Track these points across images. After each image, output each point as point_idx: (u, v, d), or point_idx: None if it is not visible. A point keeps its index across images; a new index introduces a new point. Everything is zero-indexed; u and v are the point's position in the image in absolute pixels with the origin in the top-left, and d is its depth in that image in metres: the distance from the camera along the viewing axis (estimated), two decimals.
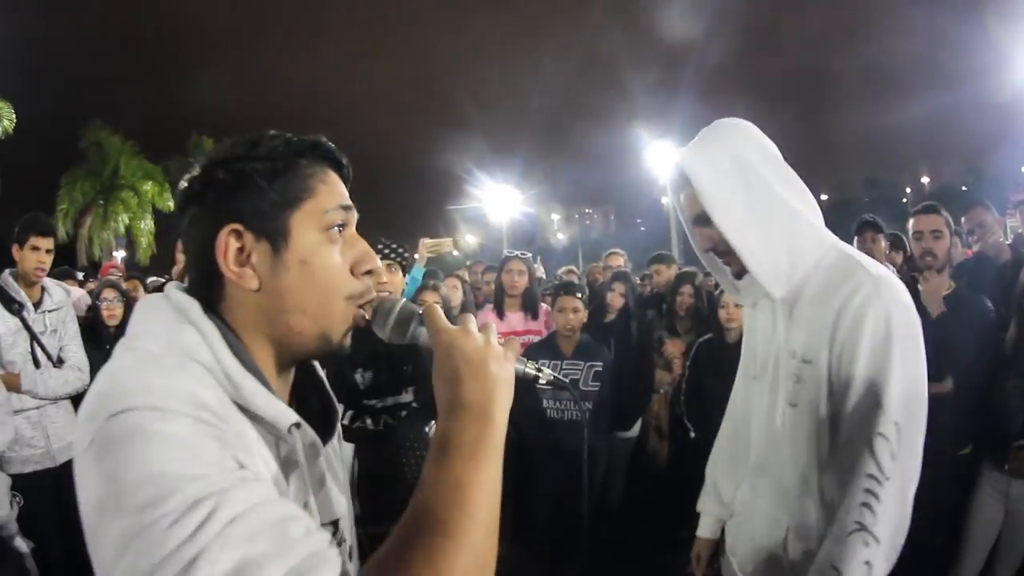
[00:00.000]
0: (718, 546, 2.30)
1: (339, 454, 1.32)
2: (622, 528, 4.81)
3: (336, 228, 1.10)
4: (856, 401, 1.66)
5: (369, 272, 1.15)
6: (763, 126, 1.92)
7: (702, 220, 1.89)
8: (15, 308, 3.99)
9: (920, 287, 3.65)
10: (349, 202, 1.13)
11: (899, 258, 5.45)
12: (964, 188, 50.69)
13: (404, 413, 3.24)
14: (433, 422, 3.33)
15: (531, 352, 4.41)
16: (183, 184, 1.10)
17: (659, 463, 5.00)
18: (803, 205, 1.86)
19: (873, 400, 1.63)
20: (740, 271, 1.91)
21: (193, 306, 1.03)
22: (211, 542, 0.77)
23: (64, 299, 4.29)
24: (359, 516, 3.25)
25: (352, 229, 1.15)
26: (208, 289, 1.07)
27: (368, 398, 3.25)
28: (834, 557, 1.62)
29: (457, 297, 5.67)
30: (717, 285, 5.97)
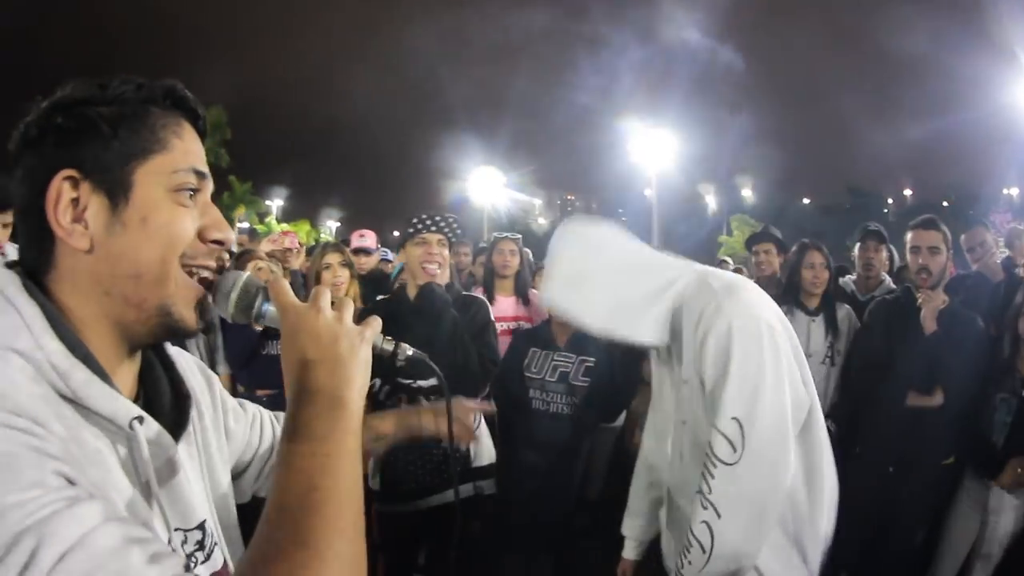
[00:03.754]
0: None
1: (207, 443, 1.19)
2: (600, 518, 4.68)
3: (187, 192, 0.99)
4: (708, 401, 1.85)
5: (218, 242, 1.03)
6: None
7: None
8: None
9: (919, 304, 3.68)
10: (205, 169, 1.03)
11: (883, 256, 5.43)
12: (946, 203, 51.20)
13: (436, 397, 3.18)
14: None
15: (522, 339, 4.38)
16: (18, 130, 0.96)
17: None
18: (645, 262, 2.11)
19: (715, 398, 1.82)
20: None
21: (11, 282, 0.90)
22: None
23: None
24: (377, 492, 3.33)
25: (207, 197, 1.04)
26: (37, 254, 0.94)
27: (403, 376, 3.19)
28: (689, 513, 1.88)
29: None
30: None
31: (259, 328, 4.57)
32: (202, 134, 1.07)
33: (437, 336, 3.15)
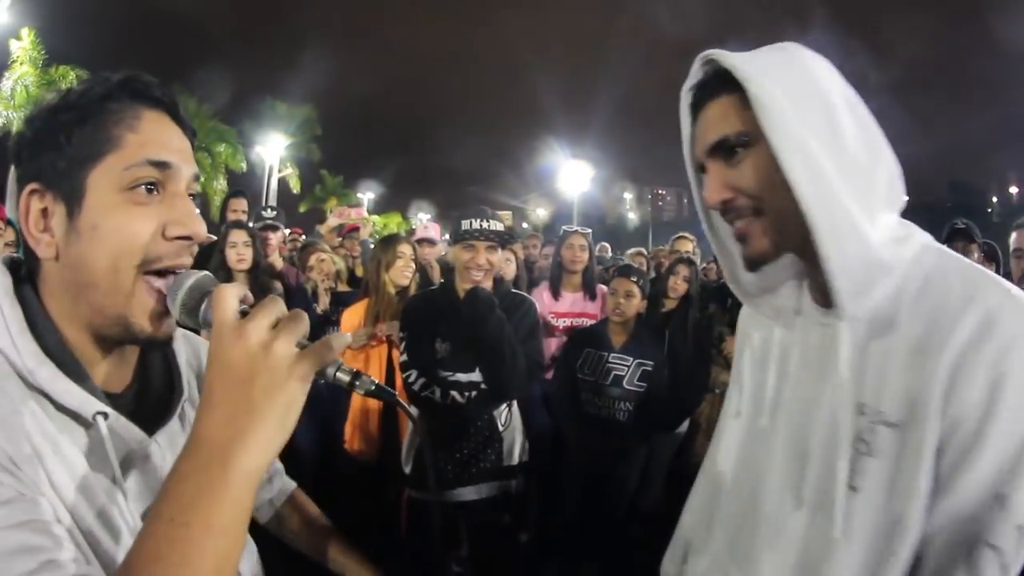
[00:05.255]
0: None
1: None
2: (654, 529, 4.53)
3: (144, 187, 0.95)
4: (969, 493, 1.05)
5: (185, 239, 0.98)
6: None
7: (728, 148, 1.19)
8: None
9: None
10: (165, 156, 0.97)
11: (992, 269, 5.00)
12: None
13: (474, 393, 3.14)
14: (504, 406, 3.28)
15: (576, 339, 4.20)
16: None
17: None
18: (891, 178, 1.19)
19: (993, 493, 1.04)
20: (764, 253, 1.22)
21: (3, 286, 0.95)
22: None
23: None
24: (409, 476, 3.27)
25: (176, 187, 0.99)
26: (29, 260, 0.99)
27: (443, 369, 3.16)
28: None
29: (510, 271, 5.47)
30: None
31: (319, 312, 4.69)
32: (178, 118, 1.02)
33: (483, 338, 3.08)
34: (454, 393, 3.12)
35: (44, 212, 0.95)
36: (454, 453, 3.16)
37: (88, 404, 0.93)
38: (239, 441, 0.79)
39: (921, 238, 1.21)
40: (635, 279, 4.00)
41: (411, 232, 7.69)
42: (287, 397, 0.82)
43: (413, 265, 4.33)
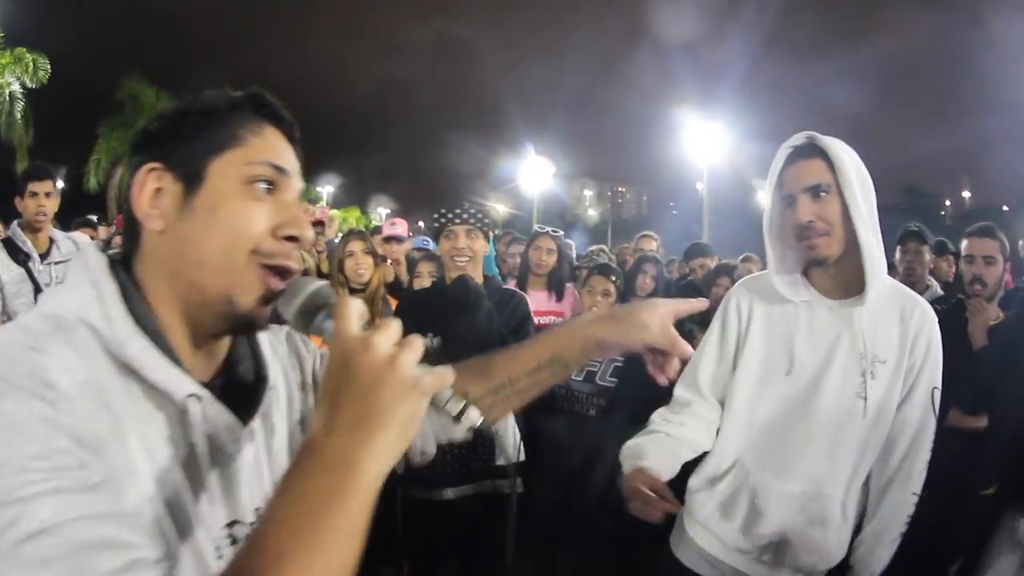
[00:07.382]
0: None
1: (270, 433, 1.12)
2: (625, 522, 4.58)
3: (262, 184, 1.01)
4: (919, 398, 2.06)
5: (293, 239, 1.02)
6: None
7: (817, 191, 2.02)
8: (21, 258, 4.03)
9: (968, 315, 3.44)
10: (284, 164, 1.04)
11: (945, 264, 5.24)
12: (1005, 208, 49.75)
13: None
14: None
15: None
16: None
17: None
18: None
19: (929, 396, 2.06)
20: (829, 256, 2.04)
21: (98, 262, 0.97)
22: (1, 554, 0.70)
23: (72, 251, 4.24)
24: (401, 475, 3.22)
25: (288, 195, 1.05)
26: (129, 239, 1.02)
27: (432, 363, 3.12)
28: (906, 507, 2.11)
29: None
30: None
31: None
32: (293, 139, 1.09)
33: (473, 327, 3.10)
34: None
35: (157, 191, 0.99)
36: (445, 450, 3.14)
37: (180, 384, 0.93)
38: (367, 445, 0.80)
39: None
40: (613, 278, 4.06)
41: (376, 230, 7.61)
42: (411, 407, 0.84)
43: (369, 260, 4.22)
